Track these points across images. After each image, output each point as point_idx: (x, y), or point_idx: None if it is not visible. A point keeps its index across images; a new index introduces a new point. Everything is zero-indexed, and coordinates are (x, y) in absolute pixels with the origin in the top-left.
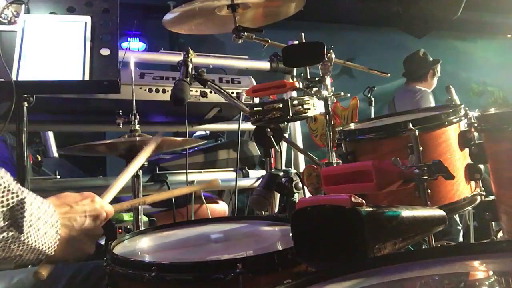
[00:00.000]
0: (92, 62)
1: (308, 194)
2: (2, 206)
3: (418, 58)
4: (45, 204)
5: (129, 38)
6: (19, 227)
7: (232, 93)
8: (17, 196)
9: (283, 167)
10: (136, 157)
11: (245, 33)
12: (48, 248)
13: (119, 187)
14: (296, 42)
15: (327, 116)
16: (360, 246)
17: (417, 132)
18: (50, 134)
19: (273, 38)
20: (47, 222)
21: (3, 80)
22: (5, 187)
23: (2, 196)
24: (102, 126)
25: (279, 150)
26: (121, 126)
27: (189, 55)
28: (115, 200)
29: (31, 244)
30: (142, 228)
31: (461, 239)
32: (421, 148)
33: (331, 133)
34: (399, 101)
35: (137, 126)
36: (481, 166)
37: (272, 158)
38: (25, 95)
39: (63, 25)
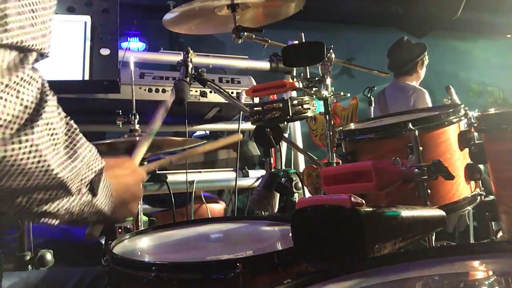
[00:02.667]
0: (92, 62)
1: (308, 194)
2: (92, 173)
3: (403, 50)
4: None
5: (129, 38)
6: (94, 191)
7: (232, 93)
8: (102, 163)
9: (283, 167)
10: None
11: (245, 33)
12: (108, 209)
13: (144, 150)
14: (296, 42)
15: (327, 116)
16: (360, 246)
17: (417, 132)
18: None
19: (273, 38)
20: (107, 185)
21: None
22: (95, 156)
23: (92, 164)
24: (102, 126)
25: (279, 150)
26: (121, 126)
27: (189, 55)
28: None
29: (98, 206)
30: (142, 228)
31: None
32: (421, 148)
33: (331, 133)
34: (391, 98)
35: (137, 126)
36: (481, 166)
37: (272, 158)
38: None
39: (63, 25)
